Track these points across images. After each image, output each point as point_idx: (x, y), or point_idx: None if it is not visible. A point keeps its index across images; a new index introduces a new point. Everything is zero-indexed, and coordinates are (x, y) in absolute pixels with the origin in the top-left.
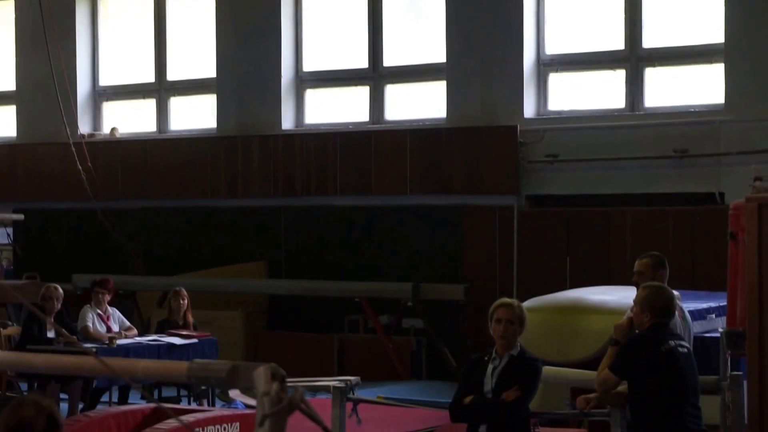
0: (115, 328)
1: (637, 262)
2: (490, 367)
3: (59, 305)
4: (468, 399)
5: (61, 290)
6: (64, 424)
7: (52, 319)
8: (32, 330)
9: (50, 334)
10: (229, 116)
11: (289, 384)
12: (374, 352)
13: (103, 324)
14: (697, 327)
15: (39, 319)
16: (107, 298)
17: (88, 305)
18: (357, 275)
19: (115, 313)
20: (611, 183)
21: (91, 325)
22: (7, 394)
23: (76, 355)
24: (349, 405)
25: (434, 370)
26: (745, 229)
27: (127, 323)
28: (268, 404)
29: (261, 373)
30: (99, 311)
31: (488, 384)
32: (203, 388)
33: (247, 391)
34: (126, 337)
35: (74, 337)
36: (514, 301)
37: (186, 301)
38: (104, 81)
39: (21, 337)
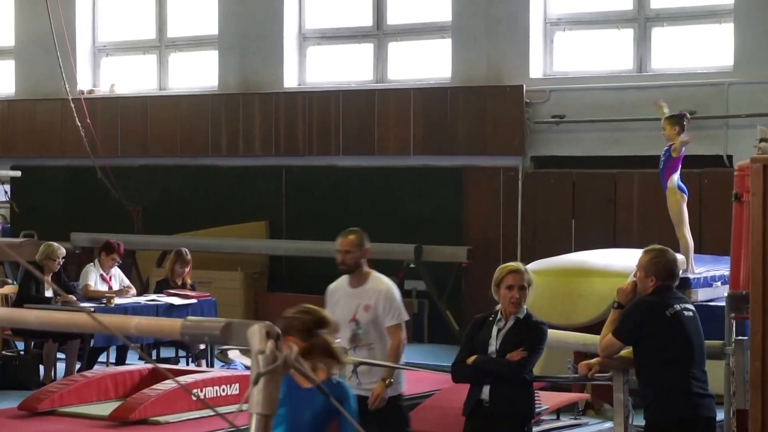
0: (116, 288)
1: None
2: (495, 328)
3: (59, 265)
4: (471, 359)
5: (63, 250)
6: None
7: (50, 279)
8: (29, 289)
9: (48, 294)
10: (230, 73)
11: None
12: None
13: (105, 284)
14: (701, 295)
15: (37, 278)
16: (116, 264)
17: (92, 264)
18: None
19: (117, 274)
20: (618, 145)
21: (93, 284)
22: (3, 352)
23: (69, 312)
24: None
25: (436, 333)
26: (750, 190)
27: (126, 281)
28: (262, 362)
29: (256, 331)
30: (102, 272)
31: (493, 345)
32: (201, 348)
33: (247, 352)
34: (125, 294)
35: (72, 296)
36: (521, 265)
37: (190, 266)
38: (104, 37)
39: (18, 296)
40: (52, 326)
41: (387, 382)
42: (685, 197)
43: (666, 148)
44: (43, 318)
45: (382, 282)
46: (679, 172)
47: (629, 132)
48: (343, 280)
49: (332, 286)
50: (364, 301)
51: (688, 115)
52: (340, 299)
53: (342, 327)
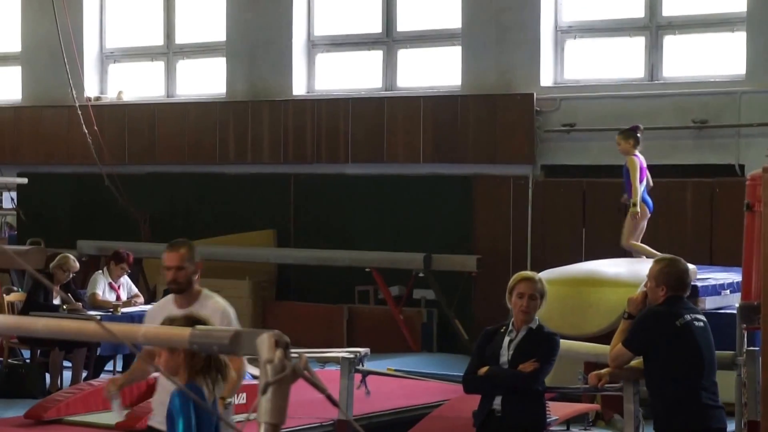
0: (124, 297)
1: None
2: (507, 339)
3: (68, 278)
4: (483, 369)
5: (77, 265)
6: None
7: (58, 287)
8: (38, 297)
9: (56, 302)
10: (238, 81)
11: (293, 352)
12: (384, 324)
13: (113, 292)
14: (710, 303)
15: (45, 287)
16: (126, 273)
17: (101, 272)
18: (368, 245)
19: (126, 283)
20: None
21: (100, 293)
22: (9, 361)
23: (77, 320)
24: (358, 376)
25: (445, 342)
26: (762, 199)
27: (135, 290)
28: (271, 372)
29: (264, 339)
30: (110, 280)
31: (504, 356)
32: None
33: (255, 361)
34: (134, 304)
35: (79, 303)
36: (536, 275)
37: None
38: (111, 43)
39: (25, 304)
40: (60, 334)
41: (227, 402)
42: (648, 212)
43: (625, 162)
44: (52, 326)
45: (217, 301)
46: (644, 184)
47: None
48: (168, 299)
49: (153, 306)
50: None
51: (641, 127)
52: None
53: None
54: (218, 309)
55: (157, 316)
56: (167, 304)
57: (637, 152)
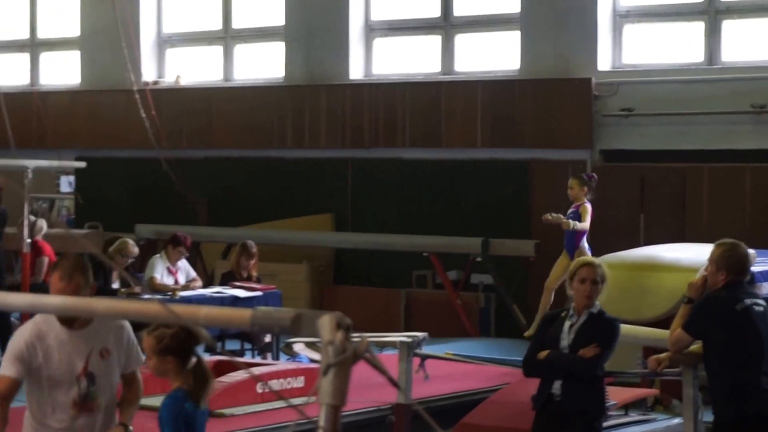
0: (182, 281)
1: None
2: (567, 323)
3: (128, 262)
4: (543, 353)
5: (136, 249)
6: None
7: (121, 270)
8: (96, 280)
9: (115, 286)
10: (296, 65)
11: (354, 335)
12: (442, 308)
13: (171, 276)
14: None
15: (104, 271)
16: (184, 257)
17: (159, 256)
18: (425, 229)
19: (184, 267)
20: (687, 138)
21: (158, 276)
22: None
23: (139, 301)
24: (417, 360)
25: (503, 327)
26: None
27: (193, 274)
28: (332, 353)
29: (326, 321)
30: (168, 264)
31: (565, 340)
32: (266, 341)
33: (312, 345)
34: (191, 288)
35: (139, 288)
36: (596, 260)
37: (256, 259)
38: (169, 28)
39: None
40: (121, 316)
41: (130, 429)
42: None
43: (573, 209)
44: (112, 308)
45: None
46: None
47: (699, 126)
48: (50, 320)
49: (32, 331)
50: (99, 344)
51: (595, 176)
52: (56, 349)
53: (63, 387)
54: (119, 325)
55: (42, 340)
56: (51, 326)
57: (587, 200)
